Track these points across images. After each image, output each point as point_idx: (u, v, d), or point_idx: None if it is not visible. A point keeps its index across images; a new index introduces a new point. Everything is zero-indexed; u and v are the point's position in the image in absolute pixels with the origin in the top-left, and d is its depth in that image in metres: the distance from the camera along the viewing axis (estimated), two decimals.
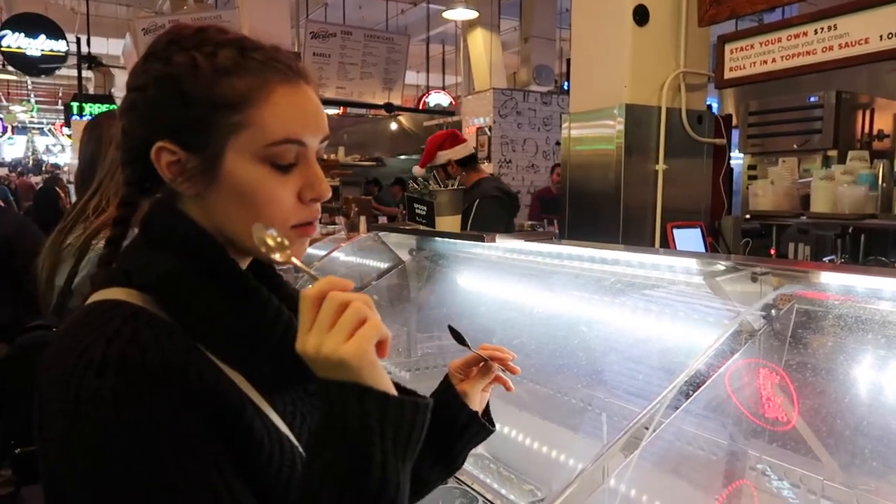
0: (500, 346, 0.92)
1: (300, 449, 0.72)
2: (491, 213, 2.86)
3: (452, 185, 2.04)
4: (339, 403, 0.59)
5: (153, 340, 0.63)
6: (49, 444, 0.62)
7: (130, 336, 0.62)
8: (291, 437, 0.72)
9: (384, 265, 2.27)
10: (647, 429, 1.03)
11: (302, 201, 0.71)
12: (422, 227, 2.09)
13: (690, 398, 1.02)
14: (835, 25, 2.35)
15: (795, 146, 3.17)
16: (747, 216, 3.18)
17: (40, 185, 10.48)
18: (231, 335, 0.69)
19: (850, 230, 2.79)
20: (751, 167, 3.43)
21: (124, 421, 0.59)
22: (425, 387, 0.97)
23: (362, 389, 0.59)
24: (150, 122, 0.71)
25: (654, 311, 1.36)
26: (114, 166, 1.67)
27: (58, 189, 6.92)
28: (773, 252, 3.08)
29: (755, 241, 3.11)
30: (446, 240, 2.01)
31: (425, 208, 2.03)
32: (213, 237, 0.71)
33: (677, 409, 1.02)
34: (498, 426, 0.97)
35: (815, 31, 2.42)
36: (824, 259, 2.96)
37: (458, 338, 0.93)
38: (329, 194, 0.73)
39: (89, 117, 11.17)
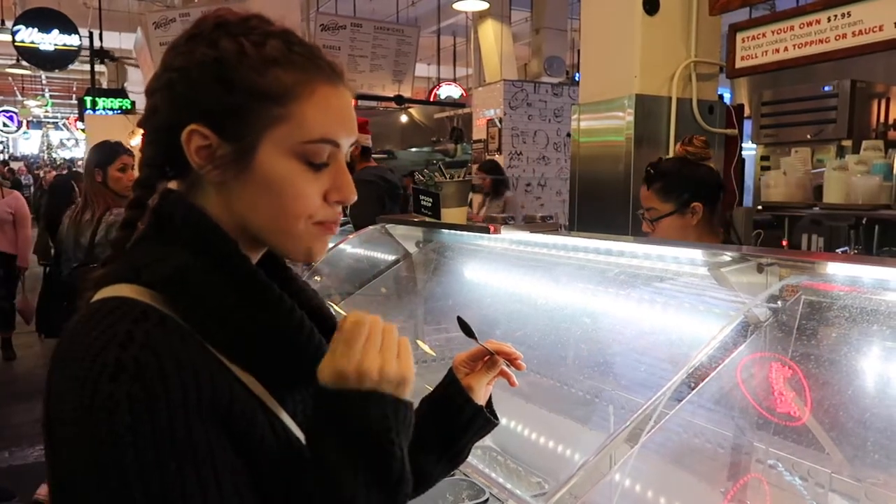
0: (504, 341, 0.92)
1: (299, 442, 0.71)
2: (365, 195, 3.42)
3: (459, 177, 2.03)
4: (360, 409, 0.64)
5: (166, 344, 0.61)
6: (59, 446, 0.61)
7: (143, 339, 0.60)
8: (302, 439, 0.70)
9: (391, 257, 2.27)
10: (650, 420, 1.02)
11: (327, 201, 0.71)
12: (428, 219, 2.08)
13: (694, 390, 1.01)
14: (848, 13, 2.31)
15: (809, 136, 3.13)
16: (759, 207, 3.15)
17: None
18: (242, 334, 0.67)
19: (863, 221, 2.75)
20: (763, 158, 3.39)
21: (139, 428, 0.58)
22: (432, 379, 0.97)
23: (378, 396, 0.65)
24: (186, 104, 0.69)
25: (660, 302, 1.35)
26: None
27: (73, 182, 6.97)
28: (785, 243, 3.04)
29: (767, 232, 3.08)
30: (452, 231, 2.01)
31: (431, 200, 2.03)
32: (225, 232, 0.70)
33: (680, 400, 1.01)
34: (505, 418, 0.97)
35: (829, 19, 2.37)
36: (837, 250, 2.92)
37: (467, 330, 0.92)
38: (354, 198, 0.73)
39: (102, 112, 11.25)
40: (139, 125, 0.76)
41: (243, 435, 0.64)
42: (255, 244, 0.73)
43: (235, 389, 0.65)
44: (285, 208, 0.69)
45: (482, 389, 0.91)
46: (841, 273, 1.03)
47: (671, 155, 2.82)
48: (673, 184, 1.83)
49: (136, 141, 9.31)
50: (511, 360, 0.92)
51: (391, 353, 0.67)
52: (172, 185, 0.75)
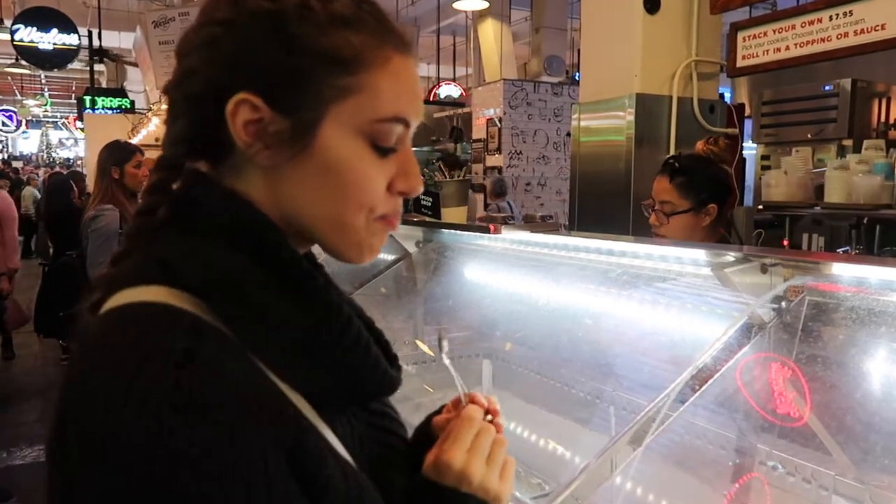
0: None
1: (362, 476, 0.60)
2: None
3: (458, 176, 2.02)
4: None
5: (235, 366, 0.50)
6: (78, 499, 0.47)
7: (207, 359, 0.48)
8: (354, 466, 0.60)
9: (391, 257, 2.26)
10: (654, 422, 1.01)
11: (390, 192, 0.62)
12: (428, 219, 2.07)
13: (697, 392, 1.00)
14: (850, 11, 2.30)
15: (810, 136, 3.12)
16: (760, 207, 3.14)
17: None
18: (296, 347, 0.56)
19: (864, 221, 2.75)
20: (764, 157, 3.38)
21: (212, 480, 0.45)
22: (431, 379, 0.96)
23: None
24: (233, 66, 0.57)
25: (662, 302, 1.34)
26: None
27: (72, 182, 6.95)
28: (786, 243, 3.03)
29: (768, 232, 3.07)
30: (452, 231, 2.00)
31: (431, 199, 2.02)
32: (275, 225, 0.58)
33: (684, 402, 1.00)
34: (505, 419, 0.95)
35: (830, 18, 2.37)
36: (839, 250, 2.91)
37: (440, 348, 0.77)
38: (421, 189, 0.64)
39: (102, 111, 11.25)
40: (164, 92, 0.63)
41: (311, 476, 0.53)
42: (301, 241, 0.62)
43: (302, 421, 0.54)
44: (347, 198, 0.59)
45: None
46: (846, 274, 1.02)
47: (672, 153, 2.82)
48: (696, 181, 1.81)
49: (135, 140, 9.30)
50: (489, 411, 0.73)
51: (496, 468, 0.64)
52: (201, 166, 0.62)
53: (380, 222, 0.62)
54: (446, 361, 0.74)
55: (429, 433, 0.72)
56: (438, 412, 0.74)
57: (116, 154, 3.23)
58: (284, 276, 0.57)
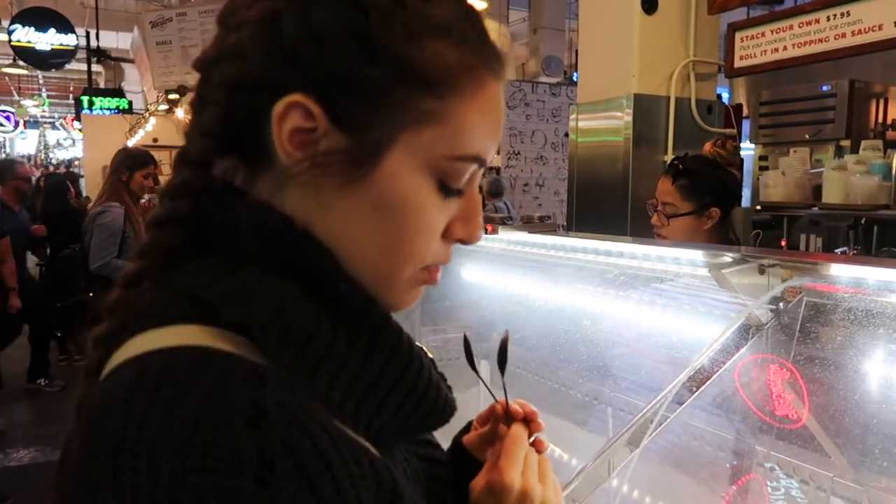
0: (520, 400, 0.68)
1: None
2: None
3: None
4: None
5: (310, 419, 0.42)
6: None
7: (281, 414, 0.40)
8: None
9: None
10: (651, 424, 1.01)
11: (446, 238, 0.52)
12: None
13: (695, 394, 1.00)
14: (848, 12, 2.30)
15: (807, 136, 3.12)
16: (758, 207, 3.14)
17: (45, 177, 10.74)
18: (363, 386, 0.48)
19: (862, 221, 2.75)
20: (762, 158, 3.39)
21: None
22: None
23: None
24: (293, 57, 0.46)
25: (660, 303, 1.33)
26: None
27: (69, 182, 6.95)
28: (783, 244, 3.04)
29: (766, 232, 3.07)
30: None
31: None
32: (332, 253, 0.49)
33: (681, 403, 1.00)
34: None
35: (828, 18, 2.37)
36: (836, 250, 2.91)
37: (469, 355, 0.70)
38: (480, 239, 0.55)
39: (99, 112, 11.24)
40: (194, 66, 0.52)
41: None
42: None
43: (392, 480, 0.46)
44: (399, 244, 0.50)
45: (484, 452, 0.67)
46: (844, 275, 1.02)
47: (671, 155, 2.82)
48: (698, 184, 1.79)
49: (132, 141, 9.30)
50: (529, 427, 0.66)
51: (551, 486, 0.60)
52: (233, 166, 0.51)
53: (423, 273, 0.53)
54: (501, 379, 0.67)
55: (461, 455, 0.67)
56: (466, 430, 0.69)
57: (131, 160, 3.39)
58: (342, 306, 0.48)
